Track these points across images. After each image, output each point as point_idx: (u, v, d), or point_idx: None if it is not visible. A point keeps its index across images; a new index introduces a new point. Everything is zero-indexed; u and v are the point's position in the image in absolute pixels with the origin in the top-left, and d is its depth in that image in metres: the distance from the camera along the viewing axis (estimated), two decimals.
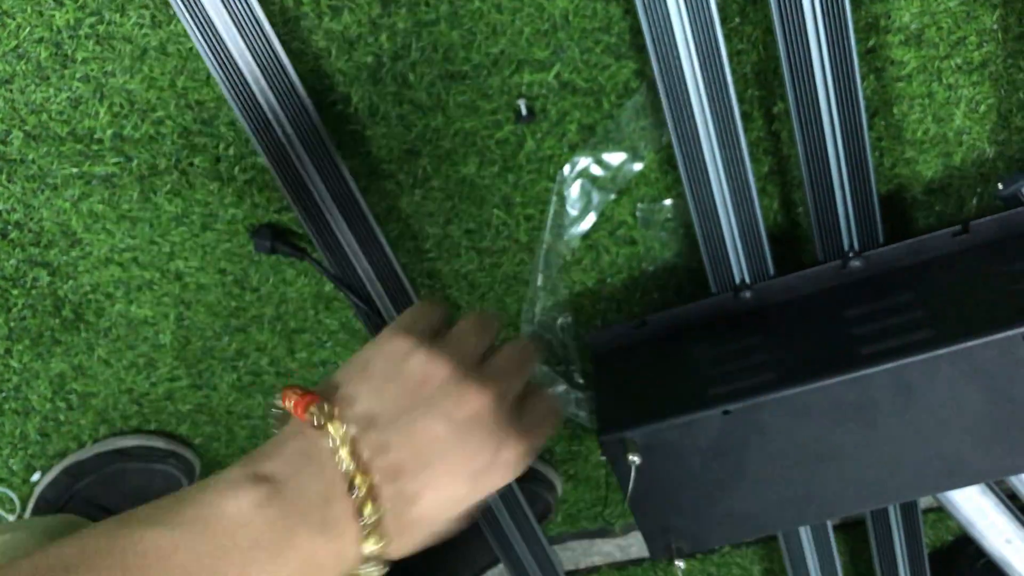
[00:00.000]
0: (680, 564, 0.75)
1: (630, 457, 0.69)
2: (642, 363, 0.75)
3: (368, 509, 0.40)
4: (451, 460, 0.42)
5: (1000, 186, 0.71)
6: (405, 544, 0.42)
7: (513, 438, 0.43)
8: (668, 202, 0.75)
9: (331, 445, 0.40)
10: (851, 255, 0.72)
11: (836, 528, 0.97)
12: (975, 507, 0.87)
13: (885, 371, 0.66)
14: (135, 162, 0.70)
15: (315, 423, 0.41)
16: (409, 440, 0.41)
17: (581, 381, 0.83)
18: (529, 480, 0.89)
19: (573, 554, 0.99)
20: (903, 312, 0.68)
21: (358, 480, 0.40)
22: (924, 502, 0.95)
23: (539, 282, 0.77)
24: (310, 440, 0.41)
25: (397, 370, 0.43)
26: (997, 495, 0.87)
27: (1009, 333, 0.64)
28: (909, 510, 0.86)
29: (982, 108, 0.71)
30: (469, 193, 0.73)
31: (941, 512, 0.96)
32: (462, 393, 0.42)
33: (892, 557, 0.90)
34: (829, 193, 0.70)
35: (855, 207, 0.71)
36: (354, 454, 0.40)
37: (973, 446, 0.69)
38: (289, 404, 0.42)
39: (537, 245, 0.76)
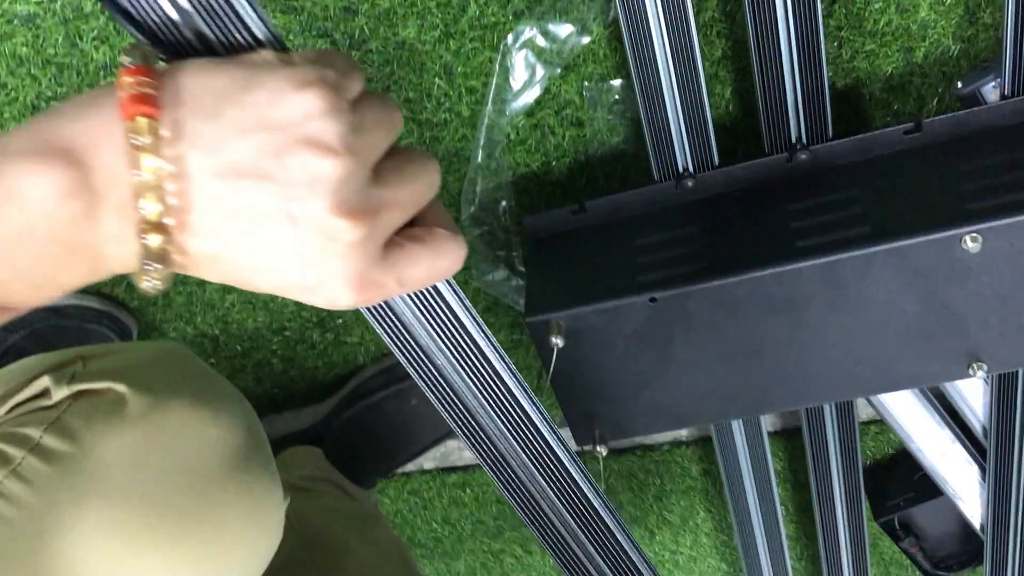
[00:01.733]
0: (602, 450, 0.75)
1: (552, 339, 0.68)
2: (576, 249, 0.73)
3: (160, 247, 0.36)
4: (279, 271, 0.37)
5: (959, 84, 0.68)
6: (195, 272, 0.38)
7: (374, 271, 0.38)
8: (617, 82, 0.72)
9: (140, 178, 0.35)
10: (798, 148, 0.69)
11: (773, 434, 0.97)
12: (912, 420, 0.87)
13: (818, 265, 0.64)
14: (59, 2, 0.67)
15: (133, 143, 0.35)
16: (237, 236, 0.36)
17: (523, 269, 0.81)
18: None
19: None
20: (844, 208, 0.66)
21: (156, 241, 0.35)
22: (865, 415, 0.94)
23: (479, 159, 0.75)
24: (121, 148, 0.35)
25: (268, 131, 0.35)
26: (936, 409, 0.86)
27: (947, 234, 0.62)
28: (845, 419, 0.86)
29: (949, 0, 0.68)
30: (409, 59, 0.70)
31: (883, 425, 0.95)
32: (338, 213, 0.35)
33: (827, 466, 0.89)
34: (779, 81, 0.68)
35: (805, 98, 0.68)
36: (161, 201, 0.35)
37: (904, 350, 0.68)
38: (124, 85, 0.35)
39: (479, 120, 0.73)
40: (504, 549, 1.08)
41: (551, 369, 0.69)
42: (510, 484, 0.58)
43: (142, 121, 0.34)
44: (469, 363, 0.52)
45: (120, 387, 0.54)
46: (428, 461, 1.00)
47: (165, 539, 0.51)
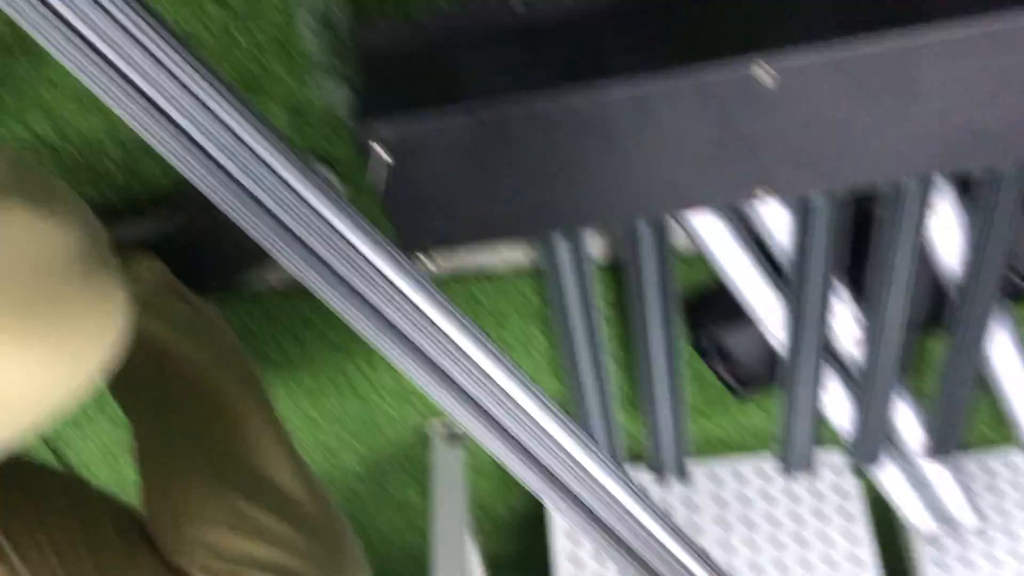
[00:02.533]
0: (431, 265, 0.79)
1: (376, 148, 0.71)
2: (407, 64, 0.75)
3: None
4: None
5: None
6: None
7: None
8: None
9: None
10: None
11: (606, 268, 1.03)
12: (726, 253, 0.94)
13: (626, 88, 0.68)
14: None
15: None
16: None
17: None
18: None
19: None
20: (657, 36, 0.70)
21: None
22: (685, 248, 1.01)
23: None
24: None
25: None
26: (746, 242, 0.93)
27: (744, 66, 0.67)
28: (662, 249, 0.92)
29: None
30: None
31: (700, 257, 1.02)
32: None
33: (645, 294, 0.97)
34: None
35: None
36: None
37: (700, 172, 0.73)
38: None
39: None
40: (352, 365, 1.13)
41: (384, 184, 0.72)
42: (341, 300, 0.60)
43: None
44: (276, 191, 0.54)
45: None
46: (275, 279, 1.03)
47: (14, 337, 0.52)
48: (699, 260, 1.04)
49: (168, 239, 0.90)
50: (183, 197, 0.90)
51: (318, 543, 0.76)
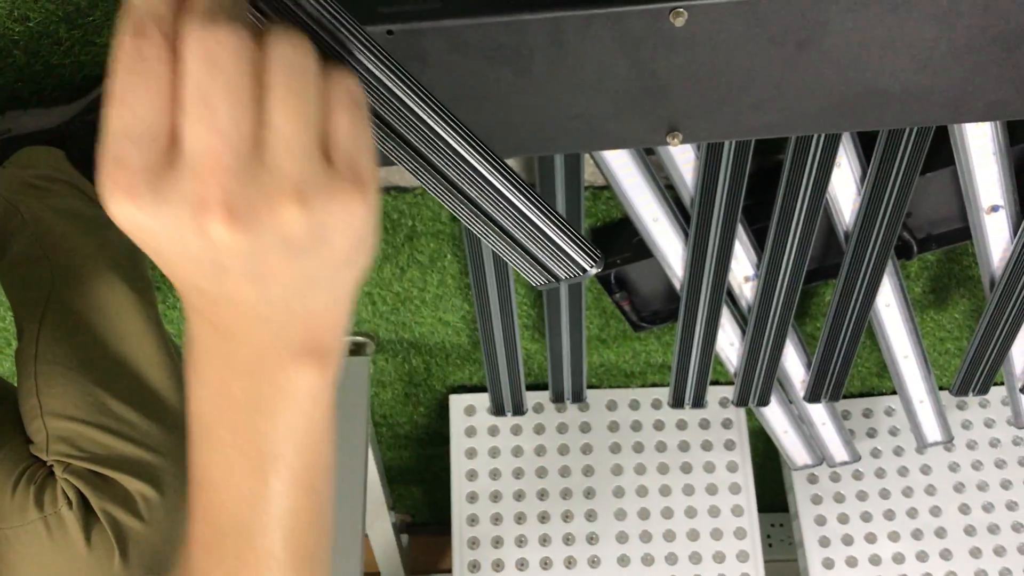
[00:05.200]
0: None
1: None
2: None
3: None
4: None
5: None
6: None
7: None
8: None
9: None
10: None
11: None
12: (633, 188, 0.96)
13: (541, 19, 0.68)
14: None
15: None
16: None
17: None
18: None
19: None
20: None
21: None
22: (593, 179, 1.03)
23: None
24: None
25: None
26: (653, 178, 0.95)
27: (658, 5, 0.67)
28: (573, 182, 0.94)
29: None
30: None
31: (608, 191, 1.04)
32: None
33: None
34: None
35: None
36: None
37: (614, 112, 0.74)
38: None
39: None
40: None
41: None
42: None
43: None
44: None
45: None
46: None
47: None
48: (607, 193, 1.07)
49: (74, 131, 0.88)
50: (93, 91, 0.88)
51: (183, 441, 0.78)
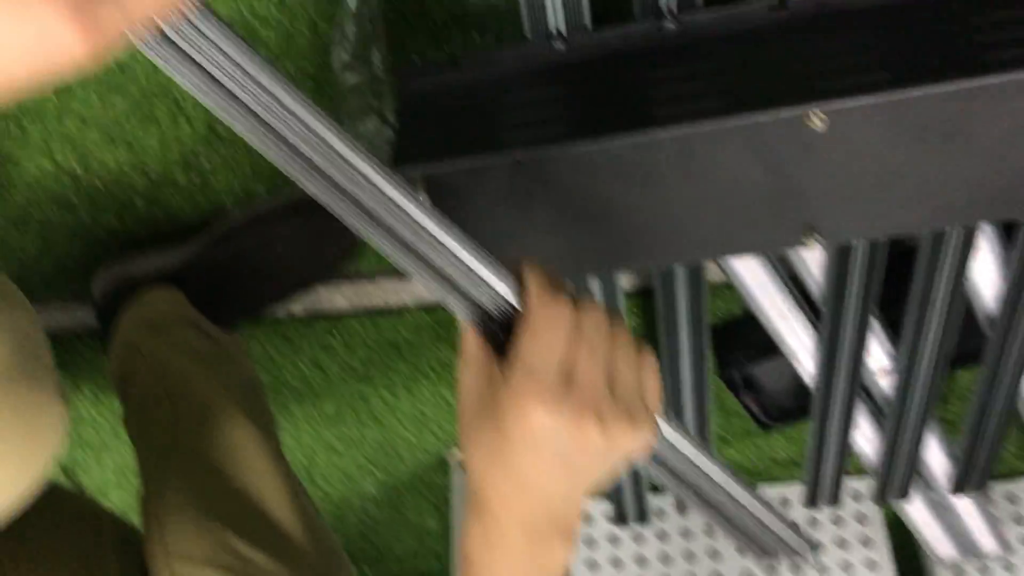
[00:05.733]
0: None
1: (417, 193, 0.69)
2: (447, 104, 0.73)
3: None
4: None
5: None
6: None
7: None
8: None
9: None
10: (667, 16, 0.70)
11: (631, 294, 1.02)
12: (758, 285, 0.93)
13: (672, 136, 0.66)
14: None
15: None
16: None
17: (392, 119, 0.81)
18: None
19: (383, 292, 1.01)
20: (703, 80, 0.68)
21: None
22: (716, 277, 1.00)
23: (352, 5, 0.73)
24: None
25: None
26: (780, 275, 0.92)
27: (795, 111, 0.65)
28: (695, 280, 0.91)
29: None
30: None
31: (731, 288, 1.01)
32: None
33: (676, 323, 0.95)
34: None
35: None
36: None
37: (748, 218, 0.72)
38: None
39: None
40: (372, 392, 1.11)
41: None
42: None
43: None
44: None
45: None
46: (298, 308, 1.02)
47: None
48: (729, 290, 1.03)
49: (192, 271, 0.89)
50: (210, 231, 0.88)
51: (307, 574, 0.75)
